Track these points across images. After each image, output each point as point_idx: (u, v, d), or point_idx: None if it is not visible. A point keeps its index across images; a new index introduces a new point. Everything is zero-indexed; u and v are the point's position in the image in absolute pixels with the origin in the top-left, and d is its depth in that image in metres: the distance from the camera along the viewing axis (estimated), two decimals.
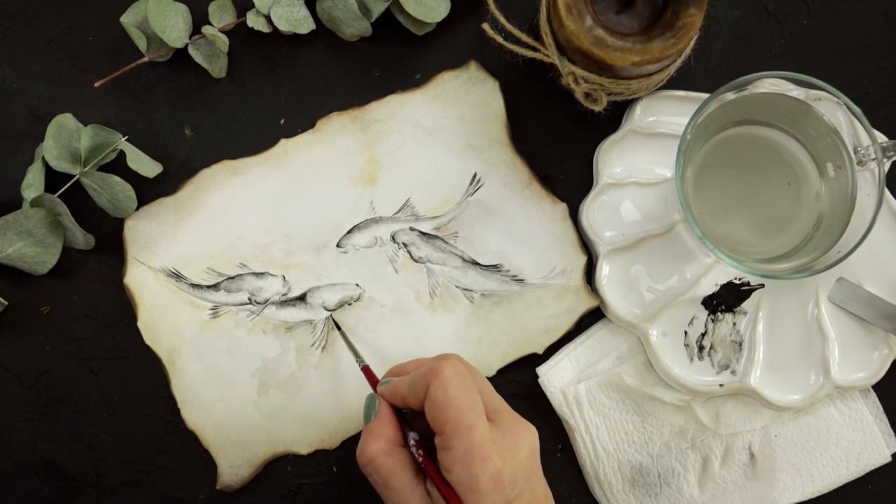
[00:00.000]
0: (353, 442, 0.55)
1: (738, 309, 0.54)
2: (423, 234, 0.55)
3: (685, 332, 0.54)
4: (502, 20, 0.53)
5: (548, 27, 0.51)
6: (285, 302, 0.55)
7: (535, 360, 0.55)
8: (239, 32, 0.57)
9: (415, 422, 0.45)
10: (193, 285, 0.56)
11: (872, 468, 0.54)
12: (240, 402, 0.55)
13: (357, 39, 0.56)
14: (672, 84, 0.55)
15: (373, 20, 0.55)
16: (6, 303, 0.56)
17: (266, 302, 0.55)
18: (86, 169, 0.54)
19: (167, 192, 0.56)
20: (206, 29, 0.55)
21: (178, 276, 0.56)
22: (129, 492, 0.56)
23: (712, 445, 0.54)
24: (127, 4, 0.55)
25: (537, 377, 0.55)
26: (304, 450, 0.55)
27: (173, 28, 0.54)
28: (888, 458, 0.54)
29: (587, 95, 0.53)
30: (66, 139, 0.54)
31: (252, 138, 0.57)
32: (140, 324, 0.55)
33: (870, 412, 0.54)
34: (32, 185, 0.54)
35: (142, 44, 0.55)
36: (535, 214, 0.55)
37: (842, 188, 0.50)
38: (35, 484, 0.56)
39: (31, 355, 0.56)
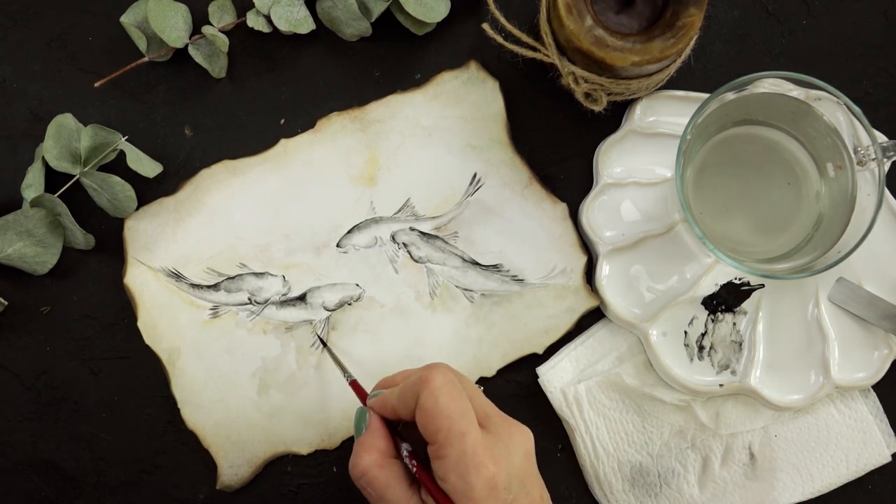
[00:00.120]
0: (353, 442, 0.55)
1: (738, 309, 0.54)
2: (423, 234, 0.55)
3: (685, 332, 0.54)
4: (502, 20, 0.53)
5: (548, 27, 0.51)
6: (285, 302, 0.55)
7: (535, 360, 0.55)
8: (239, 32, 0.57)
9: (406, 433, 0.45)
10: (193, 285, 0.56)
11: (872, 468, 0.54)
12: (240, 402, 0.55)
13: (357, 39, 0.56)
14: (672, 84, 0.55)
15: (373, 20, 0.55)
16: (6, 303, 0.56)
17: (266, 302, 0.55)
18: (86, 169, 0.54)
19: (167, 192, 0.56)
20: (206, 29, 0.55)
21: (178, 276, 0.56)
22: (129, 492, 0.56)
23: (712, 445, 0.54)
24: (127, 4, 0.55)
25: (537, 377, 0.55)
26: (304, 450, 0.55)
27: (173, 28, 0.54)
28: (888, 458, 0.54)
29: (587, 95, 0.53)
30: (66, 139, 0.54)
31: (252, 138, 0.57)
32: (140, 324, 0.55)
33: (870, 412, 0.54)
34: (32, 185, 0.54)
35: (142, 44, 0.55)
36: (535, 214, 0.55)
37: (842, 188, 0.50)
38: (35, 484, 0.56)
39: (31, 355, 0.56)
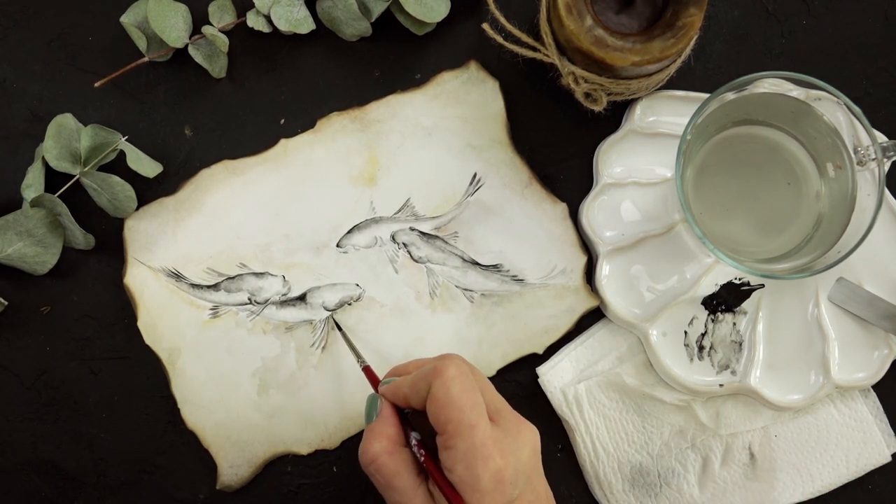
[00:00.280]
0: (353, 442, 0.55)
1: (738, 309, 0.54)
2: (423, 234, 0.55)
3: (685, 332, 0.54)
4: (502, 20, 0.53)
5: (548, 27, 0.51)
6: (285, 302, 0.55)
7: (535, 360, 0.55)
8: (239, 32, 0.57)
9: (416, 422, 0.45)
10: (193, 285, 0.56)
11: (872, 468, 0.54)
12: (240, 402, 0.55)
13: (357, 39, 0.56)
14: (672, 84, 0.55)
15: (373, 20, 0.55)
16: (6, 303, 0.56)
17: (266, 302, 0.55)
18: (86, 169, 0.54)
19: (167, 192, 0.56)
20: (206, 29, 0.55)
21: (178, 276, 0.56)
22: (129, 492, 0.56)
23: (712, 445, 0.54)
24: (127, 4, 0.55)
25: (537, 377, 0.55)
26: (304, 450, 0.55)
27: (173, 28, 0.54)
28: (888, 458, 0.54)
29: (587, 95, 0.53)
30: (66, 139, 0.54)
31: (252, 138, 0.57)
32: (140, 324, 0.55)
33: (870, 412, 0.54)
34: (32, 185, 0.54)
35: (142, 44, 0.55)
36: (535, 214, 0.55)
37: (842, 188, 0.50)
38: (35, 484, 0.56)
39: (31, 355, 0.56)
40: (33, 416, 0.56)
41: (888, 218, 0.54)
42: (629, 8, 0.50)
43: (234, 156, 0.56)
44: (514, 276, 0.55)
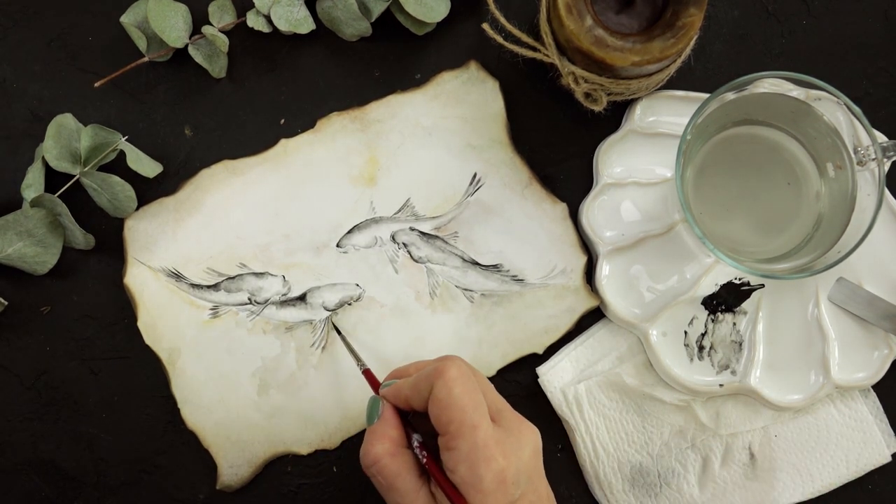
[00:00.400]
0: (353, 442, 0.55)
1: (738, 309, 0.54)
2: (423, 234, 0.55)
3: (685, 332, 0.54)
4: (502, 20, 0.53)
5: (548, 27, 0.51)
6: (285, 302, 0.55)
7: (535, 360, 0.55)
8: (239, 32, 0.57)
9: (417, 424, 0.45)
10: (193, 285, 0.56)
11: (872, 468, 0.54)
12: (240, 402, 0.55)
13: (357, 39, 0.56)
14: (672, 84, 0.55)
15: (373, 20, 0.55)
16: (6, 303, 0.56)
17: (266, 302, 0.55)
18: (86, 169, 0.54)
19: (167, 192, 0.56)
20: (206, 29, 0.55)
21: (178, 276, 0.56)
22: (129, 492, 0.56)
23: (712, 445, 0.54)
24: (127, 4, 0.55)
25: (537, 377, 0.55)
26: (304, 450, 0.55)
27: (173, 28, 0.54)
28: (888, 458, 0.54)
29: (587, 95, 0.53)
30: (66, 139, 0.54)
31: (252, 138, 0.57)
32: (140, 324, 0.55)
33: (870, 412, 0.54)
34: (32, 185, 0.54)
35: (142, 44, 0.55)
36: (535, 214, 0.55)
37: (842, 188, 0.50)
38: (35, 484, 0.56)
39: (31, 355, 0.56)
40: (33, 416, 0.56)
41: (888, 218, 0.54)
42: (629, 8, 0.50)
43: (234, 156, 0.56)
44: (514, 276, 0.55)
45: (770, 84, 0.50)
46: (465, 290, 0.55)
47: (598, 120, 0.56)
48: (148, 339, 0.55)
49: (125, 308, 0.56)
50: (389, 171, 0.56)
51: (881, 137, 0.54)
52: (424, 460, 0.43)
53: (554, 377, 0.55)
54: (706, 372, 0.54)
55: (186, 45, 0.56)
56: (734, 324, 0.54)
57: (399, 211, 0.56)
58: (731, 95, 0.49)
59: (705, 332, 0.54)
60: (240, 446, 0.55)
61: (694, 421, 0.54)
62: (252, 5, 0.55)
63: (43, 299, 0.56)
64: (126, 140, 0.55)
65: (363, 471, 0.44)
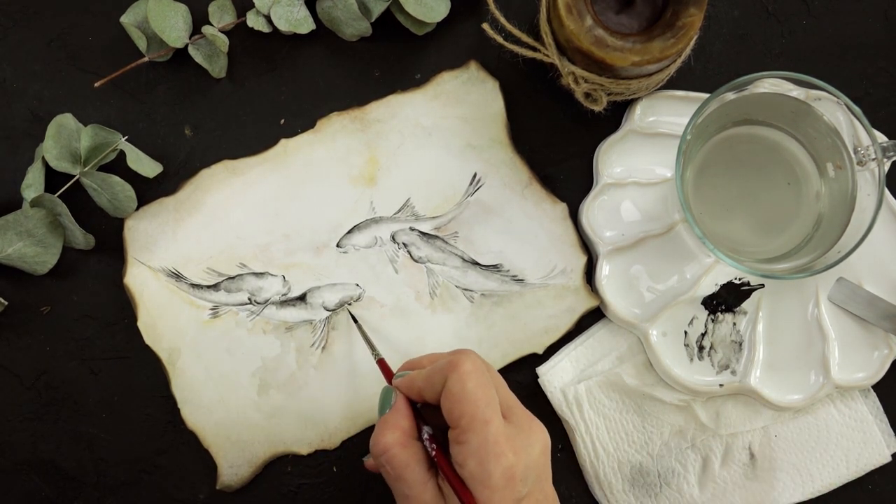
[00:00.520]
0: (353, 442, 0.55)
1: (738, 309, 0.54)
2: (423, 234, 0.55)
3: (685, 332, 0.54)
4: (502, 20, 0.53)
5: (548, 27, 0.51)
6: (285, 302, 0.55)
7: (535, 360, 0.55)
8: (239, 32, 0.57)
9: (427, 416, 0.45)
10: (193, 285, 0.56)
11: (872, 468, 0.54)
12: (240, 402, 0.55)
13: (357, 39, 0.56)
14: (672, 84, 0.55)
15: (373, 20, 0.55)
16: (6, 303, 0.56)
17: (266, 302, 0.55)
18: (86, 169, 0.54)
19: (167, 192, 0.56)
20: (206, 29, 0.55)
21: (178, 276, 0.56)
22: (129, 492, 0.56)
23: (712, 445, 0.54)
24: (127, 4, 0.55)
25: (537, 377, 0.55)
26: (304, 450, 0.55)
27: (173, 28, 0.54)
28: (888, 458, 0.54)
29: (587, 95, 0.53)
30: (66, 139, 0.54)
31: (252, 138, 0.57)
32: (140, 324, 0.55)
33: (870, 412, 0.54)
34: (32, 185, 0.54)
35: (142, 44, 0.55)
36: (535, 214, 0.55)
37: (842, 188, 0.50)
38: (35, 484, 0.56)
39: (31, 355, 0.56)
40: (33, 416, 0.56)
41: (888, 218, 0.54)
42: (629, 8, 0.50)
43: (234, 156, 0.56)
44: (514, 276, 0.55)
45: (770, 84, 0.50)
46: (465, 290, 0.55)
47: (598, 120, 0.56)
48: (148, 339, 0.55)
49: (125, 308, 0.56)
50: (389, 171, 0.56)
51: (881, 137, 0.54)
52: (433, 453, 0.43)
53: (554, 377, 0.55)
54: (706, 372, 0.54)
55: (186, 45, 0.56)
56: (734, 324, 0.54)
57: (399, 211, 0.56)
58: (731, 95, 0.49)
59: (705, 332, 0.54)
60: (240, 446, 0.55)
61: (694, 421, 0.54)
62: (252, 5, 0.55)
63: (43, 299, 0.56)
64: (126, 140, 0.55)
65: (373, 458, 0.44)
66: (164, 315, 0.55)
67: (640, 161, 0.55)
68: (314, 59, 0.57)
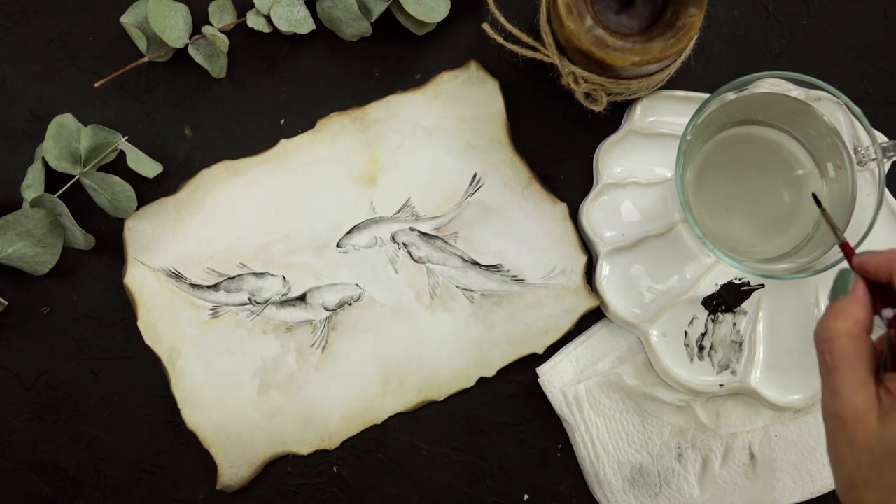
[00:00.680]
0: (353, 442, 0.55)
1: (738, 309, 0.54)
2: (423, 234, 0.55)
3: (685, 332, 0.54)
4: (502, 20, 0.53)
5: (548, 27, 0.51)
6: (285, 302, 0.55)
7: (535, 360, 0.55)
8: (239, 32, 0.57)
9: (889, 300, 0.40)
10: (193, 285, 0.56)
11: None
12: (240, 402, 0.55)
13: (357, 39, 0.56)
14: (672, 84, 0.55)
15: (373, 20, 0.55)
16: (6, 303, 0.56)
17: (266, 302, 0.55)
18: (86, 169, 0.54)
19: (167, 192, 0.56)
20: (206, 29, 0.55)
21: (178, 277, 0.56)
22: (129, 492, 0.56)
23: (712, 445, 0.54)
24: (127, 4, 0.55)
25: (537, 377, 0.55)
26: (304, 450, 0.55)
27: (173, 28, 0.54)
28: None
29: (587, 95, 0.53)
30: (66, 139, 0.54)
31: (252, 138, 0.57)
32: (140, 324, 0.55)
33: None
34: (32, 185, 0.54)
35: (142, 44, 0.55)
36: (535, 214, 0.55)
37: (842, 188, 0.50)
38: (35, 484, 0.56)
39: (31, 355, 0.56)
40: (33, 416, 0.56)
41: (888, 218, 0.54)
42: (629, 8, 0.50)
43: (234, 156, 0.56)
44: (514, 277, 0.55)
45: (770, 84, 0.50)
46: (465, 290, 0.55)
47: (598, 120, 0.56)
48: (148, 339, 0.55)
49: (125, 308, 0.56)
50: (389, 172, 0.56)
51: (881, 137, 0.54)
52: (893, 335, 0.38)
53: (554, 377, 0.55)
54: (706, 372, 0.54)
55: (186, 45, 0.56)
56: (734, 324, 0.54)
57: (399, 211, 0.56)
58: (731, 95, 0.49)
59: (705, 332, 0.54)
60: (240, 446, 0.55)
61: (694, 421, 0.54)
62: (252, 5, 0.55)
63: (43, 299, 0.56)
64: (126, 140, 0.55)
65: (815, 343, 0.39)
66: (164, 315, 0.55)
67: (640, 161, 0.55)
68: (314, 59, 0.57)
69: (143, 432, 0.56)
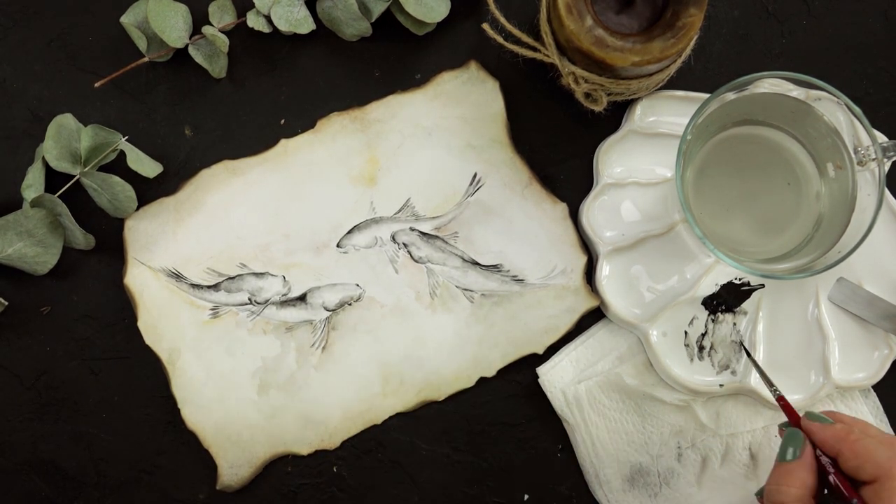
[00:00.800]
0: (353, 442, 0.55)
1: (738, 309, 0.54)
2: (423, 234, 0.55)
3: (685, 332, 0.54)
4: (502, 20, 0.53)
5: (548, 27, 0.51)
6: (285, 302, 0.55)
7: (535, 360, 0.55)
8: (239, 32, 0.57)
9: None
10: (193, 285, 0.56)
11: None
12: (240, 402, 0.55)
13: (357, 39, 0.56)
14: (672, 84, 0.55)
15: (373, 20, 0.55)
16: (6, 303, 0.56)
17: (266, 302, 0.55)
18: (86, 169, 0.54)
19: (167, 192, 0.56)
20: (206, 29, 0.55)
21: (178, 277, 0.56)
22: (129, 492, 0.56)
23: (712, 445, 0.54)
24: (127, 4, 0.55)
25: (537, 377, 0.55)
26: (304, 450, 0.55)
27: (173, 28, 0.54)
28: None
29: (587, 95, 0.53)
30: (66, 139, 0.54)
31: (252, 138, 0.57)
32: (140, 324, 0.55)
33: (870, 412, 0.54)
34: (32, 185, 0.54)
35: (142, 44, 0.55)
36: (535, 214, 0.55)
37: (842, 188, 0.50)
38: (35, 484, 0.56)
39: (31, 355, 0.56)
40: (33, 416, 0.56)
41: (888, 218, 0.54)
42: (629, 8, 0.50)
43: (234, 156, 0.56)
44: (514, 277, 0.55)
45: (770, 84, 0.50)
46: (466, 290, 0.55)
47: (598, 120, 0.56)
48: (148, 339, 0.55)
49: (125, 308, 0.56)
50: (389, 172, 0.56)
51: (881, 137, 0.54)
52: (843, 488, 0.41)
53: (554, 377, 0.55)
54: (706, 372, 0.54)
55: (186, 45, 0.56)
56: (734, 324, 0.54)
57: (399, 211, 0.56)
58: (731, 95, 0.49)
59: (705, 332, 0.54)
60: (240, 446, 0.55)
61: (694, 421, 0.54)
62: (252, 5, 0.55)
63: (43, 299, 0.56)
64: (126, 140, 0.55)
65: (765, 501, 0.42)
66: (164, 315, 0.55)
67: (640, 161, 0.55)
68: (314, 59, 0.57)
69: (143, 432, 0.56)
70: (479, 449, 0.55)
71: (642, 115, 0.55)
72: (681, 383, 0.53)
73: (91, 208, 0.56)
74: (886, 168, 0.47)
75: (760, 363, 0.53)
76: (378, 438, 0.55)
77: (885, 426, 0.54)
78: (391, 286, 0.55)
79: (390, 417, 0.55)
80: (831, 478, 0.42)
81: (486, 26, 0.54)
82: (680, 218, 0.54)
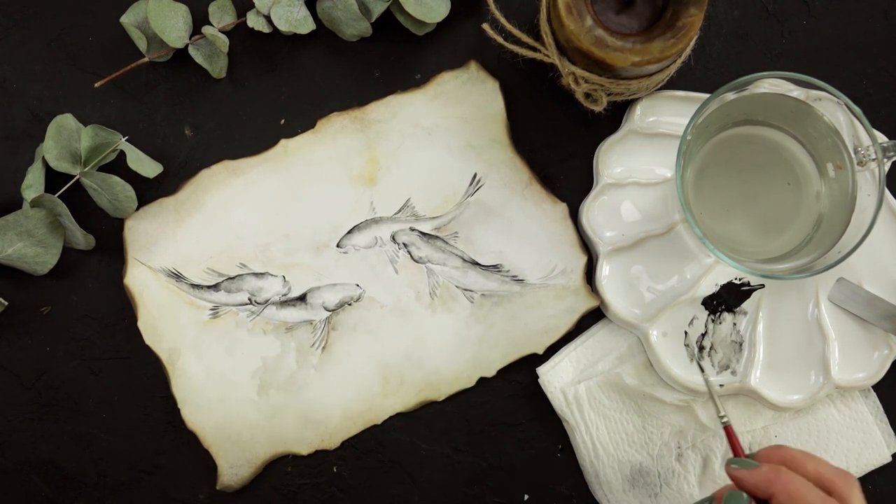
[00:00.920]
0: (353, 442, 0.55)
1: (738, 309, 0.54)
2: (423, 234, 0.55)
3: (685, 333, 0.54)
4: (502, 20, 0.53)
5: (548, 27, 0.51)
6: (285, 302, 0.55)
7: (535, 360, 0.55)
8: (239, 32, 0.57)
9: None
10: (193, 285, 0.56)
11: (873, 468, 0.54)
12: (240, 402, 0.55)
13: (357, 39, 0.56)
14: (672, 84, 0.55)
15: (373, 20, 0.55)
16: (6, 303, 0.56)
17: (266, 302, 0.55)
18: (86, 169, 0.54)
19: (167, 192, 0.56)
20: (206, 29, 0.55)
21: (178, 277, 0.56)
22: (129, 492, 0.56)
23: (712, 445, 0.54)
24: (127, 4, 0.55)
25: (537, 377, 0.55)
26: (304, 450, 0.55)
27: (173, 28, 0.54)
28: (888, 458, 0.54)
29: (587, 95, 0.53)
30: (66, 139, 0.54)
31: (252, 138, 0.57)
32: (140, 324, 0.55)
33: (870, 412, 0.54)
34: (32, 185, 0.54)
35: (142, 44, 0.55)
36: (535, 214, 0.55)
37: (842, 188, 0.50)
38: (35, 484, 0.56)
39: (31, 355, 0.56)
40: (33, 416, 0.56)
41: (888, 218, 0.54)
42: (629, 8, 0.50)
43: (234, 156, 0.56)
44: (514, 277, 0.55)
45: (770, 84, 0.50)
46: (466, 290, 0.55)
47: (598, 120, 0.56)
48: (148, 340, 0.55)
49: (125, 308, 0.56)
50: (389, 172, 0.56)
51: (881, 137, 0.54)
52: None
53: (554, 377, 0.55)
54: (706, 372, 0.54)
55: (186, 46, 0.56)
56: (734, 324, 0.54)
57: (399, 211, 0.56)
58: (731, 95, 0.49)
59: (705, 332, 0.54)
60: (240, 446, 0.55)
61: (694, 421, 0.54)
62: (252, 5, 0.55)
63: (43, 299, 0.56)
64: (126, 140, 0.55)
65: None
66: (164, 315, 0.55)
67: (640, 161, 0.55)
68: (314, 59, 0.57)
69: (143, 432, 0.56)
70: (479, 449, 0.56)
71: (642, 115, 0.55)
72: (681, 383, 0.53)
73: (91, 208, 0.56)
74: (886, 168, 0.47)
75: (761, 363, 0.53)
76: (378, 438, 0.55)
77: (885, 426, 0.54)
78: (391, 286, 0.55)
79: (390, 417, 0.55)
80: None
81: (486, 26, 0.54)
82: (680, 218, 0.54)
